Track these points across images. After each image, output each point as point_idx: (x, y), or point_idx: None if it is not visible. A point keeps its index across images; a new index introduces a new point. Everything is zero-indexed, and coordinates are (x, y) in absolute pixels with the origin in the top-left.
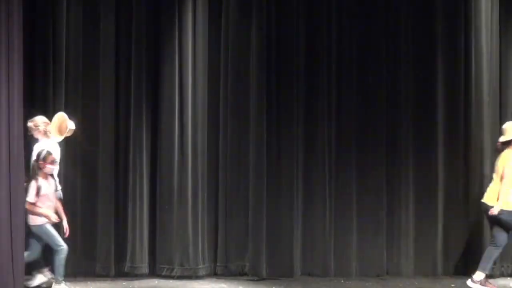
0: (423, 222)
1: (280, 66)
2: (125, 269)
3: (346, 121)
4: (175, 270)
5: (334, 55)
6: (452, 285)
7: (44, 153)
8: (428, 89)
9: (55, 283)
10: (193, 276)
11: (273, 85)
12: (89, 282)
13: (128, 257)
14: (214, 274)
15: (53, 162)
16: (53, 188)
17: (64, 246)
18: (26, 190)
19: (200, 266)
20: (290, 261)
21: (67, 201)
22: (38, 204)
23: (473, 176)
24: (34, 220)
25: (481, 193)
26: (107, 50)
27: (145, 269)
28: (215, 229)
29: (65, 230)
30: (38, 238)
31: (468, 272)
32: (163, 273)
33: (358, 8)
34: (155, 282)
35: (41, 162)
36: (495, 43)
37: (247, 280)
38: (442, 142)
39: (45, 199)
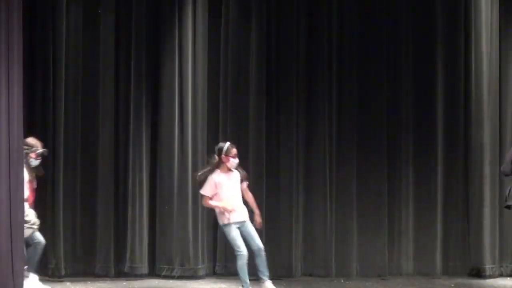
0: (423, 222)
1: (280, 66)
2: (125, 269)
3: (346, 121)
4: (175, 270)
5: (335, 55)
6: (452, 285)
7: (226, 146)
8: (428, 89)
9: None
10: (193, 276)
11: (273, 85)
12: (89, 282)
13: (128, 257)
14: (213, 273)
15: (235, 155)
16: (235, 181)
17: (243, 251)
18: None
19: (200, 266)
20: (290, 261)
21: (68, 201)
22: (215, 198)
23: (473, 176)
24: (221, 219)
25: (481, 193)
26: (107, 50)
27: (145, 269)
28: (214, 229)
29: (257, 224)
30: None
31: (468, 272)
32: (163, 273)
33: (358, 8)
34: (155, 282)
35: (223, 156)
36: (495, 43)
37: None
38: (442, 142)
39: (226, 192)
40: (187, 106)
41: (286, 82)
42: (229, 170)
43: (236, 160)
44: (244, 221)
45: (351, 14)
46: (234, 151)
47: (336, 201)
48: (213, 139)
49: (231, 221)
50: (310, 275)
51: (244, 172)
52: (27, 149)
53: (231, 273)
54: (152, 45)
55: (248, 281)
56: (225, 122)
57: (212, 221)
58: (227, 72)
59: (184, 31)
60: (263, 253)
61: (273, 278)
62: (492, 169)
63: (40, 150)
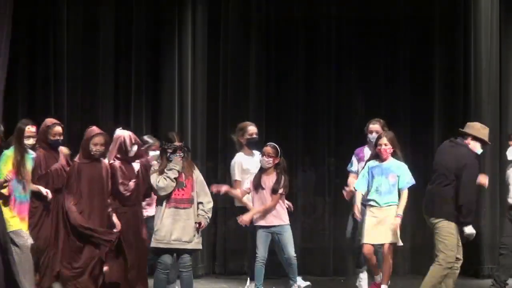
0: (422, 222)
1: (280, 66)
2: None
3: (345, 121)
4: None
5: (334, 55)
6: None
7: None
8: (428, 89)
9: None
10: (193, 275)
11: (273, 87)
12: None
13: None
14: (213, 273)
15: (264, 154)
16: (262, 182)
17: (257, 254)
18: None
19: (199, 266)
20: None
21: None
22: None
23: None
24: None
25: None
26: (107, 51)
27: None
28: (214, 228)
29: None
30: None
31: (466, 272)
32: None
33: (357, 9)
34: None
35: None
36: (495, 43)
37: (247, 279)
38: (441, 142)
39: (254, 192)
40: (187, 106)
41: (286, 82)
42: (265, 169)
43: (264, 159)
44: (273, 226)
45: (351, 14)
46: (264, 149)
47: (335, 200)
48: (213, 138)
49: (255, 223)
50: (310, 274)
51: (284, 182)
52: (164, 144)
53: (230, 272)
54: (152, 46)
55: (258, 283)
56: (225, 122)
57: (211, 221)
58: (227, 74)
59: (184, 33)
60: (292, 261)
61: (273, 277)
62: (492, 169)
63: (176, 144)
